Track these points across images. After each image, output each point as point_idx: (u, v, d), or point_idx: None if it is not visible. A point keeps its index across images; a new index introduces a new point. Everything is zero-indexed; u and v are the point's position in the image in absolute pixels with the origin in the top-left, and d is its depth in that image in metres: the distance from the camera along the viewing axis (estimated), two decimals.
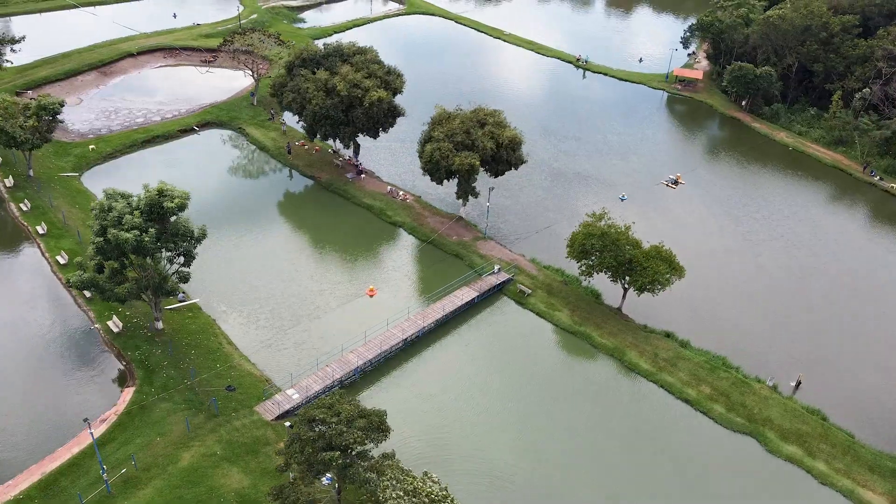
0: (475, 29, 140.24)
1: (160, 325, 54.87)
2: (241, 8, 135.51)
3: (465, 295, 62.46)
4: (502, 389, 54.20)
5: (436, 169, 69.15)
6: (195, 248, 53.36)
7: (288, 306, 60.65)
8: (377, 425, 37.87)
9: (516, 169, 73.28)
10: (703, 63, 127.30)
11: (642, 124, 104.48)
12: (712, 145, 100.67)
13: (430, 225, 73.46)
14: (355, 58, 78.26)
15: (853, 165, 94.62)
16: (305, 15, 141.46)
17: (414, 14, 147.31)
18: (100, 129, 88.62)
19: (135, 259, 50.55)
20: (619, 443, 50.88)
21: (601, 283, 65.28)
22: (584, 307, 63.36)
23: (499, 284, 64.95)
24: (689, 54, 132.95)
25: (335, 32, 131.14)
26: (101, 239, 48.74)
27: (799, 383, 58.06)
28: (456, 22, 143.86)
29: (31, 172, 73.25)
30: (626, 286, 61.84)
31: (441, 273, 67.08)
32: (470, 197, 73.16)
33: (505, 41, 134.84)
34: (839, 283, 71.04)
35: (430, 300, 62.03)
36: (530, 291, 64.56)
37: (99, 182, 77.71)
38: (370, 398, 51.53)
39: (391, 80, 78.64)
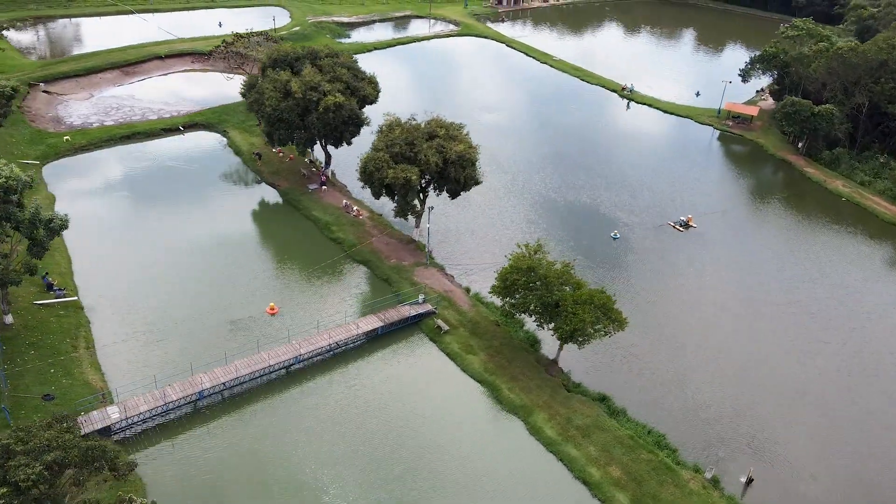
0: (524, 53, 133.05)
1: (9, 318, 50.65)
2: (289, 20, 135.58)
3: (367, 324, 54.48)
4: (347, 456, 44.15)
5: (370, 181, 62.07)
6: (50, 238, 49.01)
7: (176, 316, 54.94)
8: (89, 461, 30.74)
9: (467, 190, 64.69)
10: (770, 101, 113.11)
11: (670, 160, 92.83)
12: (748, 189, 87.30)
13: (374, 245, 66.19)
14: (324, 60, 72.96)
15: None
16: (354, 31, 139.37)
17: (467, 36, 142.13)
18: (92, 123, 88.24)
19: None
20: None
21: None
22: (506, 354, 53.63)
23: (415, 316, 56.53)
24: (757, 91, 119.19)
25: (375, 49, 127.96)
26: None
27: (750, 480, 45.58)
28: (507, 45, 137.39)
29: None
30: (552, 333, 51.75)
31: (361, 298, 59.62)
32: (425, 218, 65.44)
33: (551, 66, 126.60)
34: (858, 368, 56.93)
35: (327, 326, 54.46)
36: (447, 328, 55.65)
37: (60, 173, 76.78)
38: (166, 440, 44.33)
39: (360, 87, 72.68)
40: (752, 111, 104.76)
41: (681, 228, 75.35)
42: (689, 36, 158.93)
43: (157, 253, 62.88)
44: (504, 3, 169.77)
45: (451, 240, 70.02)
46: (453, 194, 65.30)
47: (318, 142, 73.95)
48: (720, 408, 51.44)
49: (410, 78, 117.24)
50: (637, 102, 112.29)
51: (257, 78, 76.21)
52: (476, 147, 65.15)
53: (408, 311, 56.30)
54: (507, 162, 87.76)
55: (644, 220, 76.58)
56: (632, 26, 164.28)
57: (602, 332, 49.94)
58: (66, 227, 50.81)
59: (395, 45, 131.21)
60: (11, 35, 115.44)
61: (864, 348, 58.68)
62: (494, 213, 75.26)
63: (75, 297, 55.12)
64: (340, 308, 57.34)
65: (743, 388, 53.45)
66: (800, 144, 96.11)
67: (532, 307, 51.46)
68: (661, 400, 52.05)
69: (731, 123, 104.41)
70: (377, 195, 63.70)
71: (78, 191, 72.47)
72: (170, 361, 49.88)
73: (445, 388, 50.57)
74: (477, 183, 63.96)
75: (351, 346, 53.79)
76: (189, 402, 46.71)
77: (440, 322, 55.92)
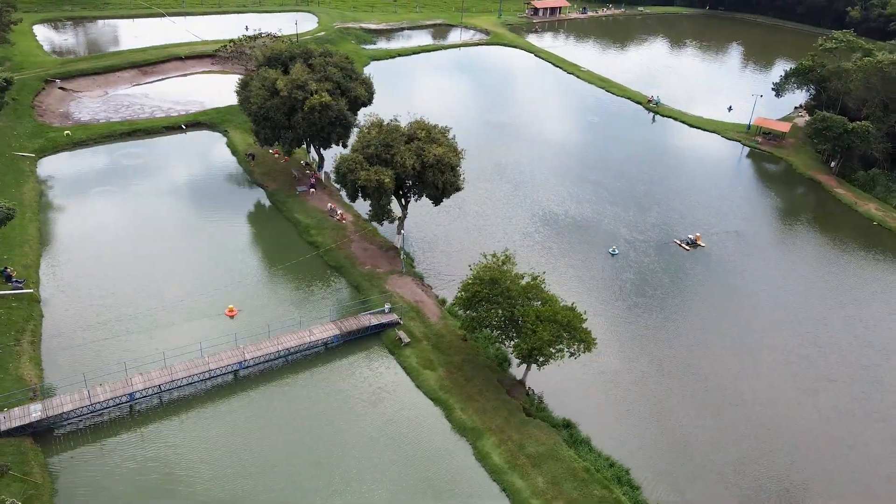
0: (551, 63, 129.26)
1: None
2: (316, 25, 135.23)
3: (322, 332, 51.53)
4: (263, 471, 40.95)
5: (343, 182, 59.42)
6: None
7: (130, 314, 53.06)
8: None
9: (447, 197, 61.26)
10: (807, 117, 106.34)
11: (689, 176, 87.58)
12: (769, 209, 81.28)
13: (352, 251, 63.41)
14: (316, 59, 70.96)
15: None
16: (382, 38, 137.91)
17: (495, 45, 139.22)
18: (98, 120, 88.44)
19: None
20: None
21: None
22: (466, 371, 49.85)
23: (377, 326, 53.36)
24: (795, 107, 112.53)
25: (399, 55, 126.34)
26: None
27: None
28: (535, 55, 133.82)
29: None
30: (511, 351, 47.82)
31: (328, 304, 56.75)
32: (408, 224, 62.51)
33: (578, 77, 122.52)
34: (862, 411, 51.11)
35: (283, 332, 51.68)
36: (408, 341, 52.25)
37: (55, 165, 76.72)
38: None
39: (351, 88, 70.37)
40: (784, 127, 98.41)
41: (687, 247, 70.26)
42: (733, 51, 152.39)
43: (128, 250, 61.42)
44: (540, 13, 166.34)
45: (437, 249, 66.77)
46: (435, 200, 62.00)
47: (304, 142, 71.75)
48: (698, 444, 46.53)
49: (426, 84, 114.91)
50: (662, 115, 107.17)
51: (252, 76, 74.70)
52: (461, 152, 61.86)
53: (369, 320, 53.16)
54: (511, 171, 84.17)
55: (649, 238, 71.76)
56: (673, 39, 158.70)
57: (563, 353, 45.76)
58: (11, 218, 49.55)
59: (418, 52, 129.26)
60: (42, 33, 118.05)
61: (873, 389, 52.69)
62: (488, 224, 71.71)
63: (31, 290, 53.82)
64: (304, 314, 54.52)
65: (728, 424, 48.38)
66: (832, 164, 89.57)
67: (494, 322, 47.71)
68: (634, 431, 47.50)
69: (760, 140, 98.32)
70: (352, 198, 60.98)
71: (65, 184, 72.07)
72: (113, 360, 47.84)
73: (393, 405, 47.05)
74: (457, 189, 60.48)
75: (304, 354, 50.90)
76: (119, 405, 44.50)
77: (401, 334, 52.57)
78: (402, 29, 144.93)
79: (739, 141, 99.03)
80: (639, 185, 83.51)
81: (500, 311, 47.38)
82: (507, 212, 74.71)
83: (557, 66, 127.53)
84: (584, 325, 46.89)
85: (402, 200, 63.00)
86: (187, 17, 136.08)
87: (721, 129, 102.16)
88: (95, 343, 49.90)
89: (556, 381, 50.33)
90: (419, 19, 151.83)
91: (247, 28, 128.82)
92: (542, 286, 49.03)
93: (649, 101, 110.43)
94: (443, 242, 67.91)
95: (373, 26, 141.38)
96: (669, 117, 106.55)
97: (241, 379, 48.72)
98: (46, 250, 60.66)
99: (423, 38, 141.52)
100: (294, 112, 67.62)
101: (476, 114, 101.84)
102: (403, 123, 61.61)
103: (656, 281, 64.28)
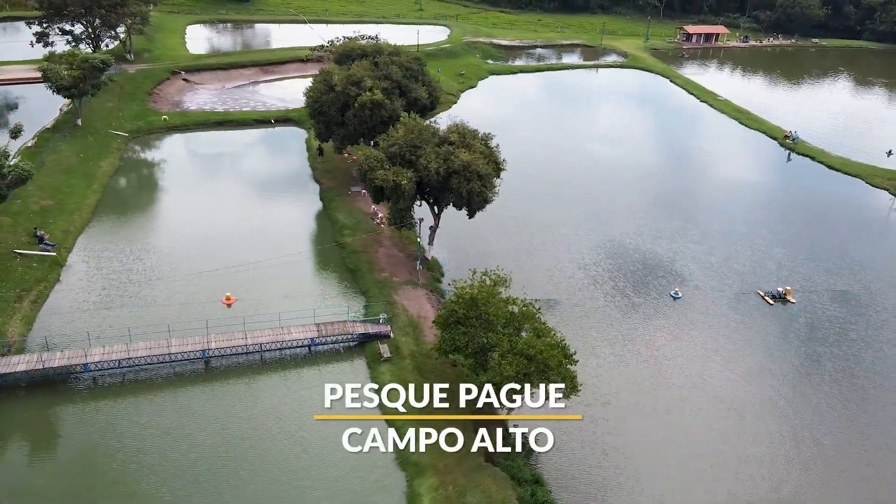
0: (686, 89, 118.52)
1: None
2: (445, 38, 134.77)
3: (299, 333, 48.19)
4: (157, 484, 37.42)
5: (364, 181, 56.06)
6: (10, 187, 49.85)
7: (134, 290, 53.10)
8: None
9: (475, 208, 55.68)
10: None
11: (803, 221, 74.73)
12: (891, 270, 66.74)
13: (376, 255, 59.83)
14: (382, 56, 68.80)
15: None
16: (513, 55, 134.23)
17: (629, 68, 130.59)
18: (203, 109, 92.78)
19: None
20: None
21: None
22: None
23: (364, 335, 49.13)
24: None
25: (521, 72, 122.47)
26: None
27: None
28: (670, 80, 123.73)
29: (79, 122, 78.44)
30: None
31: (329, 306, 53.33)
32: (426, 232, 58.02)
33: (711, 105, 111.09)
34: None
35: (263, 327, 48.99)
36: (388, 356, 47.41)
37: (142, 145, 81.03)
38: None
39: (412, 89, 67.27)
40: None
41: (771, 301, 58.99)
42: None
43: (167, 229, 62.48)
44: (693, 39, 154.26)
45: (472, 265, 61.18)
46: (470, 212, 56.77)
47: (358, 140, 69.46)
48: None
49: (535, 99, 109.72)
50: (799, 153, 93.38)
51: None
52: (500, 162, 56.46)
53: (355, 327, 49.11)
54: (596, 195, 76.49)
55: (728, 285, 61.26)
56: (846, 76, 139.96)
57: (536, 394, 38.61)
58: (25, 180, 51.20)
59: (543, 70, 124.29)
60: (192, 32, 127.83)
61: None
62: (543, 247, 65.03)
63: (54, 254, 55.73)
64: (301, 312, 51.09)
65: None
66: None
67: (469, 349, 41.67)
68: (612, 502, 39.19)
69: None
70: (375, 199, 57.36)
71: (142, 163, 75.91)
72: (96, 331, 47.59)
73: (339, 425, 42.32)
74: (485, 201, 54.75)
75: (277, 351, 47.84)
76: (73, 374, 43.94)
77: (383, 348, 47.88)
78: (536, 47, 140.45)
79: (887, 189, 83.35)
80: (738, 225, 72.28)
81: (475, 338, 41.29)
82: (572, 237, 67.42)
83: (691, 93, 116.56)
84: (572, 368, 39.62)
85: (435, 208, 58.46)
86: (328, 25, 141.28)
87: (867, 173, 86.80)
88: (88, 312, 50.22)
89: (546, 429, 43.03)
90: (558, 39, 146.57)
91: (374, 36, 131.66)
92: (537, 315, 42.31)
93: (785, 137, 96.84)
94: (481, 259, 62.00)
95: (505, 42, 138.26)
96: (807, 156, 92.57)
97: (213, 369, 46.64)
98: (95, 221, 63.10)
99: (556, 57, 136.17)
100: (347, 108, 65.64)
101: (579, 132, 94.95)
102: (482, 129, 57.43)
103: (713, 332, 54.20)
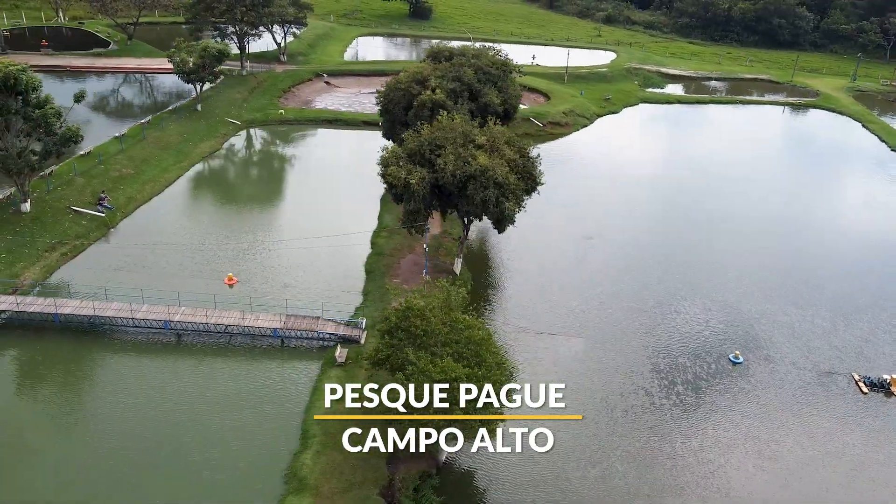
0: (878, 136, 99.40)
1: (26, 206, 56.15)
2: (609, 61, 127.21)
3: (263, 321, 45.67)
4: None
5: (382, 178, 52.28)
6: (61, 146, 53.37)
7: (151, 257, 54.26)
8: None
9: (493, 220, 49.41)
10: None
11: None
12: None
13: (400, 262, 55.96)
14: (458, 58, 65.12)
15: None
16: (680, 85, 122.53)
17: (818, 108, 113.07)
18: (327, 108, 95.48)
19: None
20: None
21: None
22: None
23: (332, 335, 45.36)
24: None
25: (678, 102, 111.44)
26: None
27: None
28: (863, 124, 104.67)
29: (199, 107, 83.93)
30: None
31: (325, 303, 50.25)
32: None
33: None
34: None
35: (246, 309, 47.15)
36: (342, 362, 43.05)
37: (251, 134, 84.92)
38: None
39: (484, 92, 62.66)
40: None
41: (866, 389, 45.44)
42: None
43: (211, 210, 64.53)
44: None
45: (506, 286, 55.05)
46: (496, 225, 50.76)
47: None
48: None
49: (678, 131, 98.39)
50: None
51: None
52: (538, 175, 50.23)
53: (324, 326, 45.52)
54: (698, 246, 65.39)
55: (814, 361, 48.40)
56: None
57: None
58: (76, 141, 54.47)
59: (706, 103, 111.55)
60: (359, 42, 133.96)
61: None
62: (606, 282, 56.45)
63: (103, 215, 58.98)
64: (291, 304, 48.85)
65: None
66: None
67: (398, 361, 36.22)
68: None
69: None
70: (395, 199, 53.24)
71: (237, 150, 79.01)
72: (101, 289, 49.05)
73: (254, 425, 38.85)
74: (502, 213, 48.26)
75: (248, 337, 45.70)
76: (45, 319, 45.28)
77: (340, 352, 43.70)
78: (710, 79, 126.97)
79: None
80: (860, 298, 56.98)
81: (398, 352, 35.79)
82: (648, 282, 57.61)
83: (883, 141, 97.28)
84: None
85: (464, 219, 53.15)
86: (494, 45, 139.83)
87: None
88: (103, 272, 51.91)
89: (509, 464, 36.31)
90: (740, 72, 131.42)
91: (533, 57, 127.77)
92: (493, 340, 35.97)
93: None
94: (517, 283, 55.64)
95: (674, 72, 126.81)
96: None
97: (183, 343, 45.81)
98: (166, 193, 66.40)
99: (729, 91, 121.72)
100: (411, 108, 62.66)
101: (712, 170, 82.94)
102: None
103: (774, 413, 42.62)
